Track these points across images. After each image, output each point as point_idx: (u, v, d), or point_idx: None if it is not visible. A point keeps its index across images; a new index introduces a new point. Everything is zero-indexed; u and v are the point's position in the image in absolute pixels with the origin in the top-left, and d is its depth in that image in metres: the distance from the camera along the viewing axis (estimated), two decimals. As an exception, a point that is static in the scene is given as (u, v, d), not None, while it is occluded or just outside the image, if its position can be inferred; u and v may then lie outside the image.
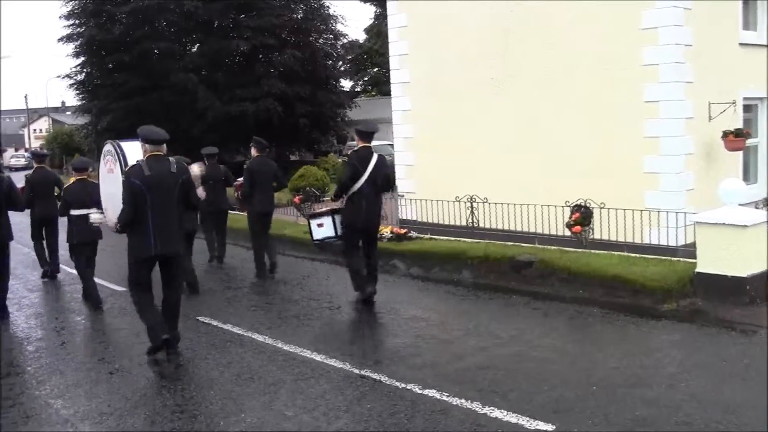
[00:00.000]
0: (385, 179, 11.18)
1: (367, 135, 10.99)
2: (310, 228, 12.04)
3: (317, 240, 11.96)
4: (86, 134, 50.29)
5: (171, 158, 9.02)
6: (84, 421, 6.98)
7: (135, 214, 8.49)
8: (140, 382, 8.06)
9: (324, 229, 11.68)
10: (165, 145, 8.95)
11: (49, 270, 14.52)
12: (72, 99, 56.71)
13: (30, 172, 15.01)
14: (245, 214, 14.65)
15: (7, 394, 7.89)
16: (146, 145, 8.83)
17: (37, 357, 9.30)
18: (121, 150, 9.83)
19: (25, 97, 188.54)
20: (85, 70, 44.41)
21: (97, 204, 10.94)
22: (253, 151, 13.95)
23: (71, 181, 12.35)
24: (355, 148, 11.17)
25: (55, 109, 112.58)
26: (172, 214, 8.74)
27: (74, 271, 13.01)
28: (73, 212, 11.98)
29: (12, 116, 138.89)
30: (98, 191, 11.11)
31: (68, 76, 44.78)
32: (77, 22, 43.22)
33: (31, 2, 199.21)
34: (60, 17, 44.07)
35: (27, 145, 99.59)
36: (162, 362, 8.73)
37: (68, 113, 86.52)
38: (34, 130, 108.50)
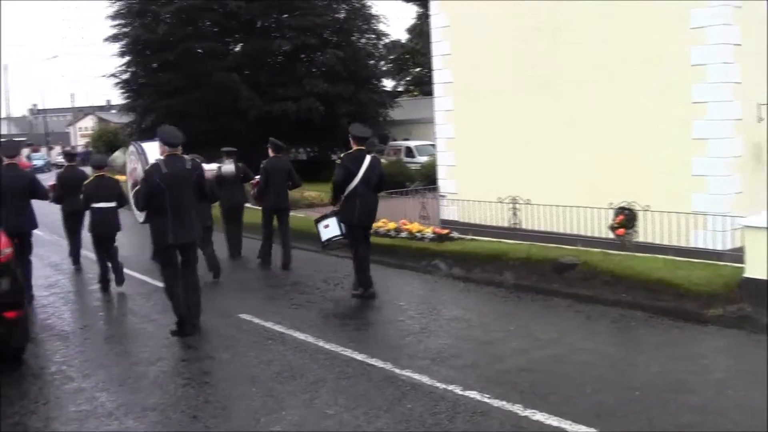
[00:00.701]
0: (379, 179, 11.67)
1: (361, 139, 11.61)
2: (318, 232, 12.44)
3: (326, 241, 12.35)
4: (130, 132, 50.71)
5: (186, 156, 10.13)
6: (128, 415, 7.03)
7: (149, 203, 9.66)
8: (183, 377, 8.10)
9: (330, 229, 12.25)
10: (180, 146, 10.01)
11: (70, 255, 15.62)
12: (117, 98, 57.36)
13: (61, 170, 16.31)
14: (260, 208, 15.48)
15: (54, 386, 7.98)
16: (164, 146, 9.83)
17: (83, 351, 9.40)
18: (143, 150, 11.07)
19: (72, 96, 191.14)
20: (129, 69, 44.82)
21: (118, 197, 12.95)
22: (270, 152, 14.80)
23: (91, 178, 13.40)
24: (349, 151, 11.69)
25: (101, 108, 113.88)
26: (188, 206, 9.76)
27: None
28: (94, 205, 13.02)
29: (58, 114, 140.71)
30: (117, 186, 13.27)
31: (113, 75, 45.23)
32: (123, 22, 43.64)
33: (77, 2, 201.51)
34: (106, 17, 44.56)
35: (73, 143, 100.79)
36: (205, 359, 8.78)
37: (113, 112, 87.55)
38: (80, 128, 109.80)
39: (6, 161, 12.59)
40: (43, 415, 7.20)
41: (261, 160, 15.05)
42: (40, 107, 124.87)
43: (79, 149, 71.19)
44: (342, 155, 12.16)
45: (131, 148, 11.47)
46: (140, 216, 10.64)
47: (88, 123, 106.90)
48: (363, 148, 11.62)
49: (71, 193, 14.45)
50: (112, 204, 13.06)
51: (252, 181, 15.87)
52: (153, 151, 10.61)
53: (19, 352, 8.99)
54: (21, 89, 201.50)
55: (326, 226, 12.29)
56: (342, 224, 11.96)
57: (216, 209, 15.10)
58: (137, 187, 10.08)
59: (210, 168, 12.80)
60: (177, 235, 9.64)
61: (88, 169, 14.65)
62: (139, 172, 10.71)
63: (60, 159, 78.99)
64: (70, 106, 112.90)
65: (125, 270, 13.43)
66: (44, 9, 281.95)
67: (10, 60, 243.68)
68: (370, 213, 11.73)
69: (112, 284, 13.27)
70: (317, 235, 12.56)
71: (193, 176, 9.82)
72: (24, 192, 12.31)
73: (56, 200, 14.86)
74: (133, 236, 17.99)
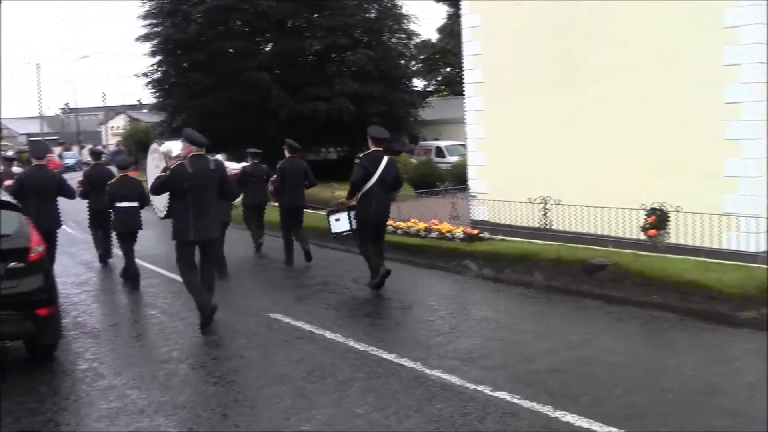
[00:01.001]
0: (394, 179, 12.35)
1: (379, 141, 12.15)
2: (329, 223, 13.18)
3: (335, 233, 13.19)
4: (161, 132, 51.06)
5: (209, 156, 10.58)
6: (158, 412, 7.09)
7: (163, 191, 10.25)
8: (213, 376, 8.14)
9: (341, 223, 13.08)
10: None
11: (103, 254, 15.99)
12: (148, 97, 57.75)
13: (88, 167, 17.07)
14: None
15: (85, 383, 8.05)
16: (191, 146, 10.25)
17: (114, 348, 9.48)
18: (166, 155, 11.36)
19: (103, 95, 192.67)
20: (160, 68, 45.10)
21: (140, 196, 13.18)
22: (286, 153, 15.37)
23: (116, 178, 13.88)
24: (367, 152, 12.20)
25: (132, 107, 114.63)
26: (210, 205, 10.23)
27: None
28: (117, 204, 13.40)
29: (90, 114, 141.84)
30: (140, 186, 13.58)
31: (145, 74, 45.54)
32: (154, 21, 43.93)
33: (109, 2, 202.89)
34: (137, 17, 44.87)
35: (104, 142, 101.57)
36: (235, 357, 8.82)
37: (144, 111, 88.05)
38: (111, 127, 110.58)
39: (34, 162, 13.29)
40: (75, 412, 7.27)
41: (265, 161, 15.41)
42: (72, 106, 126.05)
43: (111, 148, 71.77)
44: (360, 155, 12.49)
45: (154, 146, 12.00)
46: (161, 212, 11.20)
47: (120, 122, 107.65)
48: (381, 149, 12.14)
49: (97, 191, 14.90)
50: (135, 204, 13.36)
51: (270, 181, 16.28)
52: (175, 149, 11.22)
53: (50, 349, 9.08)
54: (53, 88, 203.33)
55: (337, 220, 13.07)
56: (352, 221, 12.73)
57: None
58: (159, 176, 10.39)
59: (234, 167, 13.10)
60: (197, 232, 10.11)
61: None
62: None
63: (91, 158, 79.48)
64: (102, 105, 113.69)
65: (155, 268, 13.56)
66: (77, 8, 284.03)
67: (42, 59, 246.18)
68: (384, 211, 12.36)
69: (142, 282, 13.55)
70: (327, 227, 13.31)
71: (216, 176, 10.33)
72: (51, 192, 12.97)
73: (83, 196, 15.68)
74: (163, 235, 18.14)
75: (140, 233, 13.92)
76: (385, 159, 12.08)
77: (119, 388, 7.86)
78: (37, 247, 8.58)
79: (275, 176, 15.56)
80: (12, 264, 8.26)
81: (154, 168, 11.18)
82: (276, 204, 15.94)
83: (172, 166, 10.20)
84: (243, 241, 16.96)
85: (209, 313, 10.16)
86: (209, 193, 10.23)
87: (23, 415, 7.15)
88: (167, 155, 11.26)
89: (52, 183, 13.12)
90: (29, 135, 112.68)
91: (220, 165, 10.63)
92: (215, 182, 10.32)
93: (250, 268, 14.93)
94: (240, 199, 15.49)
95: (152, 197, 11.65)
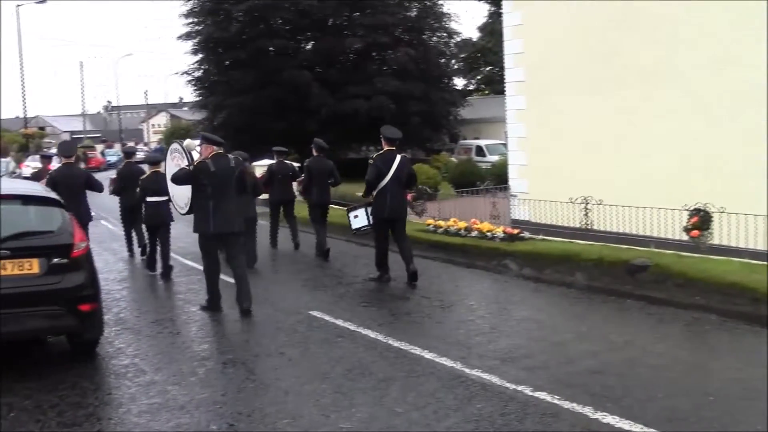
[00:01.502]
0: (408, 176, 12.93)
1: (392, 140, 12.76)
2: (348, 219, 13.99)
3: (354, 229, 14.02)
4: (203, 129, 51.42)
5: (230, 155, 11.34)
6: (199, 409, 7.13)
7: (196, 197, 10.84)
8: (253, 373, 8.18)
9: (359, 219, 13.80)
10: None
11: (142, 250, 16.29)
12: (189, 95, 58.28)
13: (121, 166, 17.89)
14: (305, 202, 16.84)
15: (126, 378, 8.13)
16: (211, 146, 10.90)
17: (155, 344, 9.56)
18: (188, 152, 11.73)
19: (145, 93, 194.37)
20: (202, 67, 45.47)
21: (167, 191, 13.11)
22: (314, 152, 16.23)
23: (148, 173, 14.75)
24: (381, 152, 12.84)
25: (173, 105, 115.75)
26: (230, 200, 10.87)
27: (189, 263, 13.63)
28: (148, 199, 14.20)
29: (132, 111, 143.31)
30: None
31: (186, 73, 45.97)
32: (196, 20, 44.27)
33: (151, 2, 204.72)
34: (179, 16, 45.23)
35: (146, 140, 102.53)
36: (275, 355, 8.86)
37: (185, 109, 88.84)
38: (153, 125, 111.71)
39: (63, 160, 14.23)
40: (117, 407, 7.34)
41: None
42: (114, 104, 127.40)
43: (153, 146, 72.28)
44: (374, 155, 13.11)
45: (174, 146, 12.43)
46: (182, 208, 11.71)
47: (161, 120, 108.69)
48: (393, 148, 12.76)
49: (129, 188, 15.58)
50: (165, 198, 13.56)
51: (298, 179, 17.08)
52: (194, 145, 11.94)
53: (92, 344, 9.18)
54: (96, 86, 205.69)
55: (356, 216, 13.84)
56: (369, 217, 13.39)
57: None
58: (183, 168, 11.08)
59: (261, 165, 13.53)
60: (217, 225, 10.75)
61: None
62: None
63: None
64: (144, 103, 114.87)
65: (196, 265, 13.68)
66: (119, 7, 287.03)
67: (85, 58, 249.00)
68: (400, 207, 12.88)
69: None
70: (348, 223, 14.14)
71: (235, 173, 11.00)
72: (80, 188, 13.75)
73: (115, 193, 16.61)
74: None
75: (184, 232, 14.03)
76: (399, 157, 12.66)
77: (160, 384, 7.93)
78: (80, 243, 8.68)
79: (302, 174, 16.38)
80: (55, 260, 8.35)
81: (174, 166, 11.67)
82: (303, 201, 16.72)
83: (196, 163, 10.85)
84: (281, 239, 17.04)
85: (219, 305, 11.16)
86: (229, 190, 10.88)
87: (66, 409, 7.23)
88: (188, 148, 11.77)
89: (80, 179, 13.94)
90: (72, 133, 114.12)
91: (239, 162, 11.32)
92: (235, 178, 10.98)
93: (291, 266, 14.99)
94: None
95: (173, 196, 12.21)
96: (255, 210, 15.03)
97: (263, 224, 16.72)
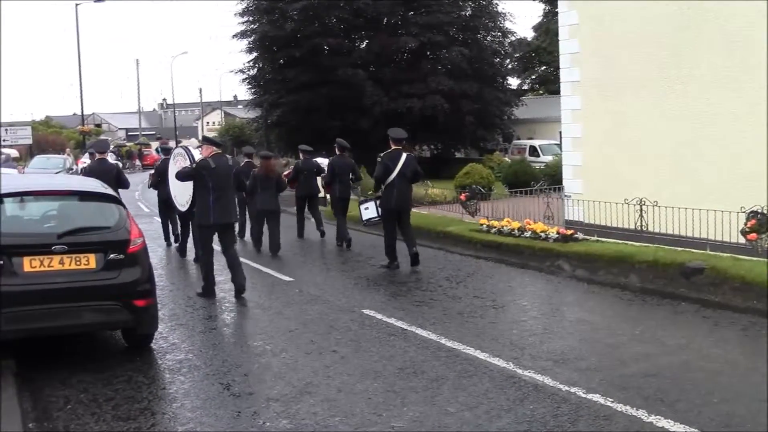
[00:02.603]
0: (413, 173, 14.22)
1: (398, 140, 14.09)
2: (360, 211, 15.97)
3: (365, 220, 15.97)
4: (257, 127, 51.93)
5: (228, 155, 12.84)
6: (251, 405, 7.18)
7: (196, 190, 12.16)
8: (306, 370, 8.22)
9: (369, 211, 15.68)
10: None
11: (176, 238, 17.82)
12: (244, 93, 58.83)
13: (158, 162, 19.35)
14: (328, 197, 19.18)
15: (181, 373, 8.22)
16: (211, 147, 12.26)
17: (209, 340, 9.64)
18: (189, 152, 13.62)
19: (200, 91, 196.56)
20: (257, 65, 45.80)
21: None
22: (336, 150, 18.03)
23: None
24: (388, 151, 14.12)
25: (228, 103, 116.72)
26: (227, 194, 12.15)
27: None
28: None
29: (187, 109, 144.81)
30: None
31: (241, 71, 46.36)
32: (251, 19, 44.60)
33: (206, 1, 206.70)
34: (235, 15, 45.57)
35: (200, 137, 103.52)
36: (328, 352, 8.89)
37: (239, 107, 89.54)
38: (207, 122, 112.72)
39: (97, 156, 16.09)
40: (171, 402, 7.43)
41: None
42: (169, 102, 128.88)
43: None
44: (382, 154, 14.35)
45: (178, 150, 14.27)
46: (182, 206, 13.47)
47: (215, 118, 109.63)
48: (400, 147, 14.08)
49: (165, 182, 16.13)
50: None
51: (321, 175, 19.04)
52: (196, 152, 13.43)
53: (147, 339, 9.30)
54: (151, 84, 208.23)
55: (366, 208, 15.77)
56: (378, 209, 15.02)
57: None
58: (185, 167, 12.61)
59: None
60: (217, 216, 11.96)
61: None
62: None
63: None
64: (198, 101, 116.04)
65: (248, 262, 13.92)
66: (174, 5, 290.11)
67: (141, 55, 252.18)
68: (405, 200, 14.31)
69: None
70: (359, 214, 16.11)
71: (232, 170, 12.50)
72: (110, 182, 13.63)
73: (153, 186, 17.90)
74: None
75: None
76: (404, 156, 14.02)
77: (213, 380, 8.00)
78: (137, 239, 8.80)
79: (326, 171, 18.35)
80: (112, 255, 8.48)
81: (176, 168, 13.28)
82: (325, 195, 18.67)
83: (198, 161, 12.22)
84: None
85: (213, 291, 12.27)
86: (228, 185, 12.14)
87: (121, 403, 7.34)
88: (187, 147, 13.37)
89: (110, 174, 14.93)
90: (128, 130, 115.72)
91: (236, 162, 13.07)
92: (232, 175, 12.33)
93: (343, 265, 15.05)
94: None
95: (174, 195, 14.07)
96: (278, 204, 16.84)
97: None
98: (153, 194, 18.52)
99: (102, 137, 79.04)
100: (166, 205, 17.20)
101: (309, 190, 18.99)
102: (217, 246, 12.47)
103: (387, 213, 14.32)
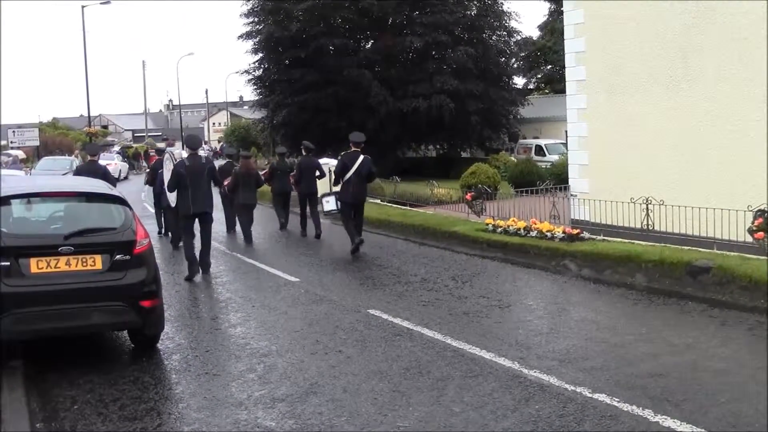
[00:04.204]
0: (368, 172, 16.11)
1: (357, 143, 16.05)
2: (322, 204, 18.39)
3: (326, 211, 18.33)
4: (262, 128, 51.90)
5: (202, 155, 15.28)
6: (257, 405, 7.20)
7: (178, 186, 14.05)
8: (311, 370, 8.23)
9: (329, 204, 17.87)
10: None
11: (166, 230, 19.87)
12: (249, 94, 58.84)
13: (154, 161, 21.68)
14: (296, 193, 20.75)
15: (187, 373, 8.24)
16: (189, 149, 14.58)
17: (215, 340, 9.64)
18: (173, 154, 15.78)
19: (206, 92, 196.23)
20: (262, 66, 45.79)
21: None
22: (303, 152, 20.06)
23: None
24: (348, 151, 16.19)
25: (233, 104, 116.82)
26: (202, 188, 14.16)
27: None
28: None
29: (193, 110, 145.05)
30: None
31: (246, 72, 46.35)
32: (256, 20, 44.62)
33: (211, 2, 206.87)
34: (240, 15, 45.56)
35: (206, 138, 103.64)
36: (333, 353, 8.90)
37: (245, 108, 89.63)
38: (213, 123, 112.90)
39: (89, 158, 18.30)
40: (177, 402, 7.45)
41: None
42: (175, 103, 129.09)
43: (222, 145, 73.02)
44: (342, 153, 16.72)
45: (166, 155, 16.28)
46: (172, 201, 14.83)
47: (221, 118, 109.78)
48: (358, 150, 15.97)
49: (159, 178, 18.09)
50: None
51: (291, 174, 20.81)
52: (180, 154, 15.96)
53: (153, 340, 9.32)
54: (157, 85, 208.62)
55: (327, 201, 17.98)
56: (337, 202, 16.96)
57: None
58: (170, 176, 14.39)
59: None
60: (195, 206, 14.06)
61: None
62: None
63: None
64: (204, 102, 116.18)
65: (254, 262, 14.13)
66: (179, 7, 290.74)
67: (148, 56, 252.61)
68: (360, 194, 16.31)
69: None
70: (321, 206, 18.47)
71: (206, 169, 14.42)
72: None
73: (149, 183, 20.49)
74: (263, 231, 18.81)
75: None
76: (361, 157, 15.90)
77: (219, 380, 8.02)
78: (143, 240, 8.82)
79: (295, 170, 20.41)
80: (118, 256, 8.50)
81: (167, 171, 15.21)
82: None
83: (176, 162, 14.37)
84: (343, 239, 17.15)
85: (196, 267, 14.08)
86: (202, 180, 14.16)
87: (128, 403, 7.36)
88: (172, 153, 15.67)
89: (98, 173, 16.01)
90: (134, 131, 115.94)
91: (209, 160, 15.65)
92: (206, 173, 14.31)
93: (349, 265, 15.04)
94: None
95: (167, 195, 15.26)
96: (256, 199, 19.44)
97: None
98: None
99: (109, 138, 79.21)
100: (159, 199, 19.20)
101: (283, 188, 21.02)
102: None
103: (344, 205, 16.32)
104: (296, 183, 20.10)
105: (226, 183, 18.60)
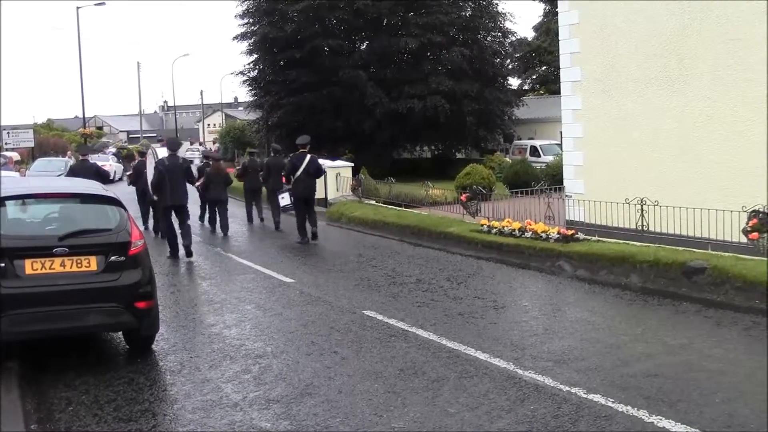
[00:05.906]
0: (315, 170, 18.73)
1: (303, 145, 18.61)
2: (278, 200, 20.63)
3: (282, 206, 20.44)
4: (257, 129, 51.84)
5: (179, 155, 17.65)
6: (252, 406, 7.20)
7: (160, 183, 16.25)
8: (306, 371, 8.23)
9: (284, 200, 20.04)
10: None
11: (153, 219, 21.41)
12: (244, 95, 58.78)
13: (136, 162, 23.84)
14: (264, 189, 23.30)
15: (181, 375, 8.23)
16: (169, 150, 16.96)
17: (210, 342, 9.64)
18: (156, 153, 18.34)
19: (201, 93, 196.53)
20: (257, 67, 45.78)
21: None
22: (272, 153, 22.90)
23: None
24: (296, 152, 18.82)
25: (228, 105, 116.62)
26: (180, 185, 16.49)
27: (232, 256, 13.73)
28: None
29: (188, 111, 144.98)
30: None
31: (241, 72, 46.36)
32: (251, 20, 44.61)
33: (206, 2, 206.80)
34: (235, 16, 45.53)
35: (201, 139, 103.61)
36: (329, 354, 8.89)
37: (240, 109, 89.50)
38: (208, 124, 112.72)
39: (81, 158, 20.34)
40: (172, 403, 7.44)
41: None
42: (170, 104, 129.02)
43: (211, 146, 73.04)
44: (291, 155, 19.67)
45: (149, 151, 18.90)
46: (155, 197, 17.09)
47: (216, 119, 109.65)
48: (305, 150, 18.56)
49: (143, 178, 20.07)
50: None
51: (260, 172, 23.00)
52: (162, 152, 17.76)
53: (148, 341, 9.32)
54: (152, 86, 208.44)
55: (282, 197, 20.23)
56: (291, 197, 19.09)
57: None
58: (153, 176, 16.68)
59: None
60: (173, 199, 16.36)
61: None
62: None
63: (188, 155, 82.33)
64: (199, 103, 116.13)
65: (250, 263, 14.10)
66: (174, 8, 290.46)
67: (142, 58, 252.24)
68: (309, 190, 18.61)
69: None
70: (277, 202, 20.76)
71: (183, 168, 16.84)
72: (90, 179, 15.03)
73: (132, 184, 22.43)
74: (252, 233, 18.89)
75: (239, 231, 14.77)
76: (308, 156, 18.48)
77: (214, 381, 8.02)
78: (138, 242, 8.81)
79: (263, 169, 22.59)
80: (113, 258, 8.49)
81: (150, 165, 17.56)
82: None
83: (157, 161, 16.72)
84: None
85: (176, 248, 16.58)
86: (179, 177, 16.48)
87: (123, 404, 7.35)
88: (154, 149, 18.54)
89: (90, 170, 17.97)
90: (129, 132, 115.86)
91: (186, 161, 17.93)
92: (183, 171, 16.75)
93: (344, 266, 15.04)
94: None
95: (151, 190, 17.54)
96: (226, 195, 21.57)
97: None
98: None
99: (104, 140, 79.10)
100: (142, 195, 21.49)
101: (254, 184, 23.41)
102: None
103: (296, 200, 18.71)
104: (265, 180, 22.42)
105: (198, 183, 20.79)
